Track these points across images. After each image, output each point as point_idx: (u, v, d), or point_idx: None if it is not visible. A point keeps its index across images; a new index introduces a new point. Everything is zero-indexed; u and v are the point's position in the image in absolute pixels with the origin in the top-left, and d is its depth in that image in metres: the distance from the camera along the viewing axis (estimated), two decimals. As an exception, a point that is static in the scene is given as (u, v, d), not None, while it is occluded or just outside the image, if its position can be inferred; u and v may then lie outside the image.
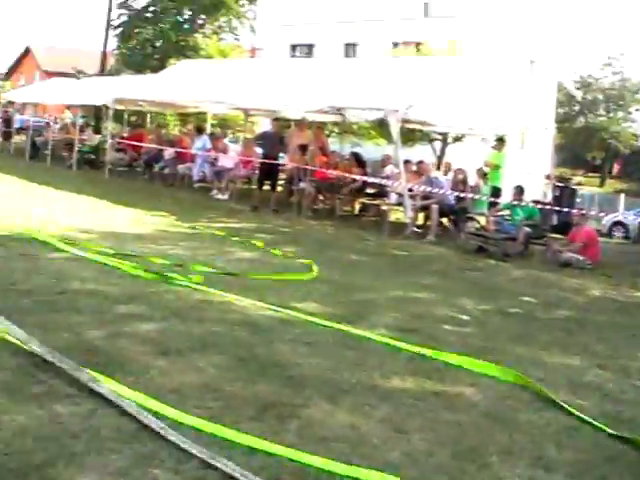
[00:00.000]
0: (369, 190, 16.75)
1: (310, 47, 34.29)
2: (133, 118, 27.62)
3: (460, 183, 15.24)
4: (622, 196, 41.06)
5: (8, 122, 28.91)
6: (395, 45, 27.37)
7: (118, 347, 5.47)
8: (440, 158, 24.12)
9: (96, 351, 5.26)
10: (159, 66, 27.30)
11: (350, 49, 33.60)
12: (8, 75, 61.49)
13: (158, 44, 31.68)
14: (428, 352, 5.97)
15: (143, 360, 5.21)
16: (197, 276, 8.06)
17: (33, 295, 6.73)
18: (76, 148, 22.33)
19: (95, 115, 27.30)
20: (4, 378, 4.55)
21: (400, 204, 14.58)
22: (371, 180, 15.58)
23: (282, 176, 17.42)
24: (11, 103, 30.31)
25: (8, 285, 7.04)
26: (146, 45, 31.66)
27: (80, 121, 26.07)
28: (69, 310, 6.34)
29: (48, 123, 27.96)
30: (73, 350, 5.20)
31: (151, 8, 31.74)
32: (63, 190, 15.79)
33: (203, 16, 31.61)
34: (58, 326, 5.78)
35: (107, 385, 4.49)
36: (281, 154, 16.72)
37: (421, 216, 15.54)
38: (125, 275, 8.05)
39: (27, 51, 60.66)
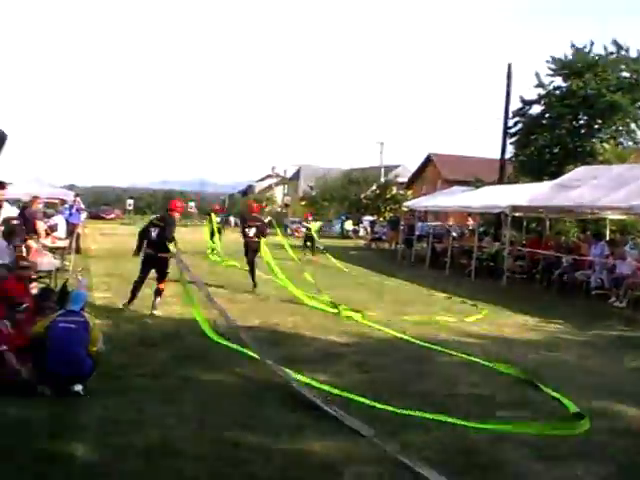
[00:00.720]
0: None
1: None
2: (533, 225, 28.40)
3: None
4: None
5: (411, 229, 31.74)
6: None
7: (499, 449, 6.39)
8: None
9: (477, 453, 6.21)
10: (557, 172, 28.05)
11: None
12: (410, 183, 66.83)
13: (555, 150, 32.52)
14: None
15: (522, 463, 6.05)
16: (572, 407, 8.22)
17: (423, 397, 8.02)
18: (475, 256, 23.92)
19: (495, 223, 28.63)
20: None
21: None
22: None
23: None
24: (412, 211, 33.05)
25: (401, 387, 8.45)
26: (543, 152, 32.68)
27: (481, 229, 27.53)
28: (456, 412, 7.41)
29: (448, 231, 30.06)
30: (454, 452, 6.21)
31: (547, 115, 32.83)
32: (460, 297, 17.42)
33: (599, 121, 31.84)
34: (442, 427, 6.88)
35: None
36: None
37: None
38: (512, 381, 9.06)
39: (429, 160, 65.44)
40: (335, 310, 14.00)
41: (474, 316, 14.48)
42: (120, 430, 6.43)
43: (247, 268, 17.55)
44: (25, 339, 7.52)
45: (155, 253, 12.77)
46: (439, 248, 28.59)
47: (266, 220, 19.16)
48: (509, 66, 31.25)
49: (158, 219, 13.48)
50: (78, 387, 7.28)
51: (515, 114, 33.71)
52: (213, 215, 28.19)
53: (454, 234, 29.96)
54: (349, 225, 53.70)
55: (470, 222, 32.92)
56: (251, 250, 17.12)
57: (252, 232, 17.13)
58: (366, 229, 51.28)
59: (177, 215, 13.52)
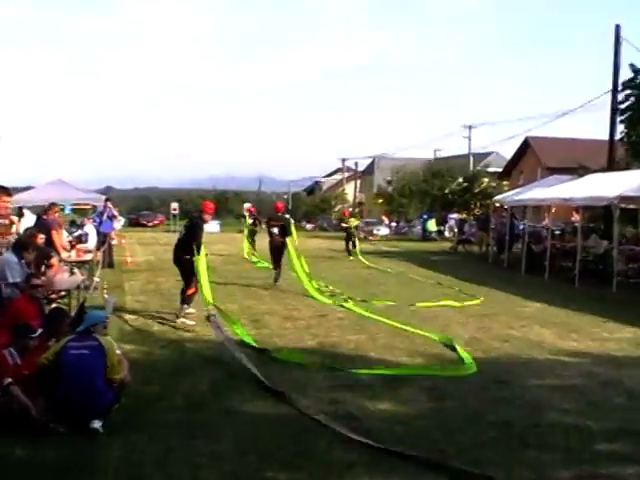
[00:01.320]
0: None
1: None
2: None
3: None
4: None
5: (503, 227, 31.35)
6: None
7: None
8: None
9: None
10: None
11: None
12: (506, 173, 65.71)
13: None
14: None
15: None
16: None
17: (500, 427, 7.91)
18: (578, 257, 23.46)
19: (604, 218, 27.94)
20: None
21: None
22: None
23: None
24: (501, 207, 32.67)
25: (474, 415, 8.33)
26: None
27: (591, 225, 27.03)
28: (539, 446, 7.32)
29: (547, 229, 29.48)
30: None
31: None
32: (559, 307, 17.22)
33: None
34: (521, 462, 6.82)
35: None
36: None
37: None
38: (617, 408, 8.87)
39: (526, 145, 63.58)
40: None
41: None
42: (142, 472, 6.54)
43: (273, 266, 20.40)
44: (34, 369, 7.64)
45: (177, 255, 14.27)
46: (537, 249, 28.14)
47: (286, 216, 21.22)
48: (617, 28, 30.57)
49: (188, 220, 15.07)
50: (96, 424, 7.38)
51: (626, 86, 32.82)
52: (247, 216, 33.45)
53: (557, 232, 29.47)
54: (432, 225, 53.10)
55: (575, 217, 32.30)
56: (277, 249, 20.03)
57: (276, 230, 20.07)
58: (452, 229, 50.87)
59: (209, 217, 14.84)
